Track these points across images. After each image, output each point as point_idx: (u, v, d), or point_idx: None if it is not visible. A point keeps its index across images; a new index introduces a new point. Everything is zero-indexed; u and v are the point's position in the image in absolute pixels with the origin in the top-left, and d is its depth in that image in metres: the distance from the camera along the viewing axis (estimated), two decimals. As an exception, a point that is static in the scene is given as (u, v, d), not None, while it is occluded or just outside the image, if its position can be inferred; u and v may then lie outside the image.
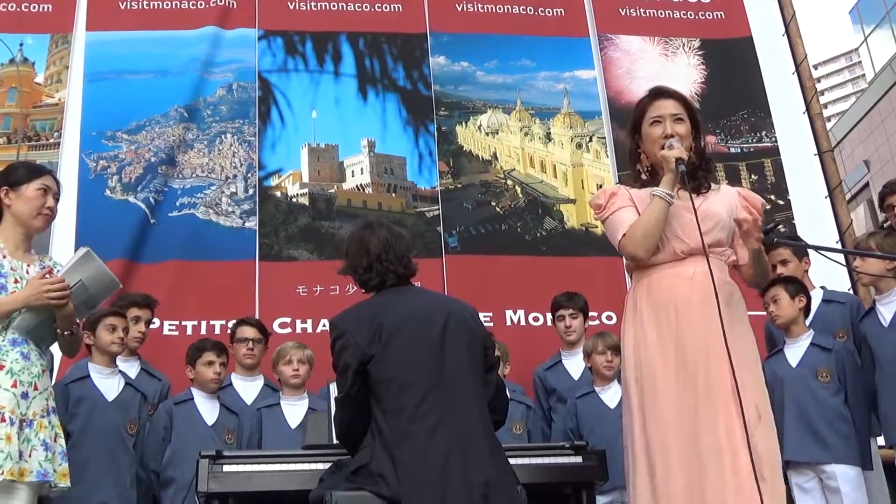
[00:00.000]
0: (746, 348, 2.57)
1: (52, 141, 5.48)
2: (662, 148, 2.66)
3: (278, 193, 5.51)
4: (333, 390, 2.96)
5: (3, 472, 2.58)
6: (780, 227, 2.74)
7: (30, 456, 2.69)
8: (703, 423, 2.44)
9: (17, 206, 2.92)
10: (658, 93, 2.80)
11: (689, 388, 2.49)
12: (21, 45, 5.77)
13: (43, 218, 2.96)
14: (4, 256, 2.88)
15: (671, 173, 2.59)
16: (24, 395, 2.74)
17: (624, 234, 2.64)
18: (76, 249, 4.95)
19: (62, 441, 2.89)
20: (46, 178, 2.99)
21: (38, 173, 2.99)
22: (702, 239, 2.54)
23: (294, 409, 4.03)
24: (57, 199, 3.02)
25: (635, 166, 2.82)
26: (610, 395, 4.03)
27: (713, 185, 2.79)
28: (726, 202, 2.71)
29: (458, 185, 5.66)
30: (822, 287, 4.27)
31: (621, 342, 2.77)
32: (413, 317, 2.69)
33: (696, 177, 2.72)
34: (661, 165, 2.68)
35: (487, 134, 5.85)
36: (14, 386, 2.71)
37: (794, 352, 3.90)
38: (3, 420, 2.65)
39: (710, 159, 2.90)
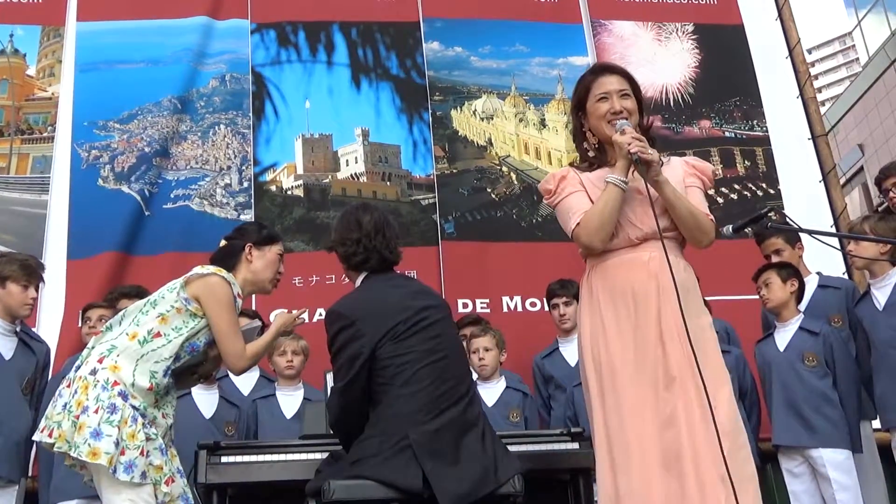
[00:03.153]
0: (704, 336, 2.49)
1: (45, 135, 5.45)
2: (609, 123, 2.59)
3: (273, 188, 5.49)
4: (331, 380, 2.97)
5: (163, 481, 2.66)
6: (770, 214, 2.68)
7: (171, 482, 2.72)
8: (662, 416, 2.39)
9: (258, 265, 2.97)
10: (602, 68, 2.72)
11: (648, 380, 2.43)
12: (11, 35, 5.73)
13: (275, 282, 3.04)
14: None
15: (624, 160, 2.51)
16: (169, 427, 2.82)
17: (578, 224, 2.56)
18: (70, 243, 5.02)
19: None
20: (282, 246, 3.09)
21: (278, 239, 3.10)
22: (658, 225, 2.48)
23: (289, 400, 4.05)
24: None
25: (582, 145, 2.74)
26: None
27: (662, 160, 2.67)
28: (674, 178, 2.62)
29: (454, 171, 5.66)
30: (818, 273, 4.29)
31: (578, 330, 2.69)
32: (412, 305, 2.74)
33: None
34: (608, 142, 2.61)
35: (482, 119, 5.84)
36: (163, 417, 2.78)
37: (783, 336, 3.92)
38: (161, 451, 2.71)
39: (655, 138, 2.75)
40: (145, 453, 2.61)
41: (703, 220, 2.57)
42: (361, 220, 2.83)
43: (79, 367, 2.73)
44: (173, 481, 2.70)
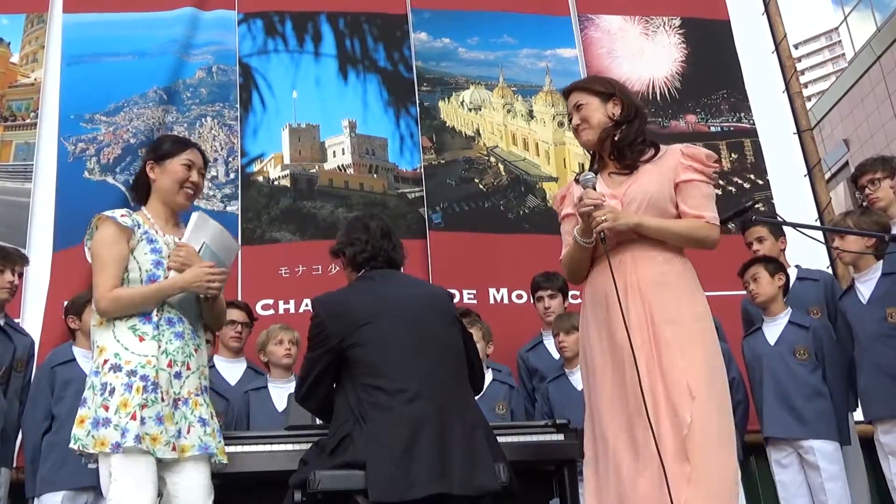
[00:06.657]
0: (682, 329, 2.47)
1: (28, 121, 5.42)
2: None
3: (261, 178, 5.47)
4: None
5: (169, 449, 2.57)
6: (757, 205, 2.71)
7: (188, 432, 2.65)
8: (633, 417, 2.43)
9: (163, 182, 2.82)
10: (564, 93, 2.87)
11: (620, 382, 2.49)
12: (-5, 25, 5.69)
13: (184, 194, 2.84)
14: (157, 232, 2.79)
15: (585, 224, 2.57)
16: (178, 375, 2.68)
17: (561, 260, 2.77)
18: (56, 235, 4.99)
19: (216, 420, 2.81)
20: (192, 153, 2.86)
21: (184, 146, 2.87)
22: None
23: (281, 392, 4.03)
24: (202, 175, 2.90)
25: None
26: (578, 378, 4.01)
27: (661, 148, 2.69)
28: (660, 172, 2.61)
29: (442, 161, 5.65)
30: (797, 266, 4.32)
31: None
32: (390, 299, 2.80)
33: (625, 155, 2.66)
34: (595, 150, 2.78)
35: (470, 110, 5.84)
36: (169, 366, 2.66)
37: (773, 330, 3.94)
38: (163, 399, 2.60)
39: (644, 134, 2.74)
40: (137, 418, 2.52)
41: (696, 234, 2.57)
42: (369, 224, 2.98)
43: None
44: (189, 432, 2.64)
